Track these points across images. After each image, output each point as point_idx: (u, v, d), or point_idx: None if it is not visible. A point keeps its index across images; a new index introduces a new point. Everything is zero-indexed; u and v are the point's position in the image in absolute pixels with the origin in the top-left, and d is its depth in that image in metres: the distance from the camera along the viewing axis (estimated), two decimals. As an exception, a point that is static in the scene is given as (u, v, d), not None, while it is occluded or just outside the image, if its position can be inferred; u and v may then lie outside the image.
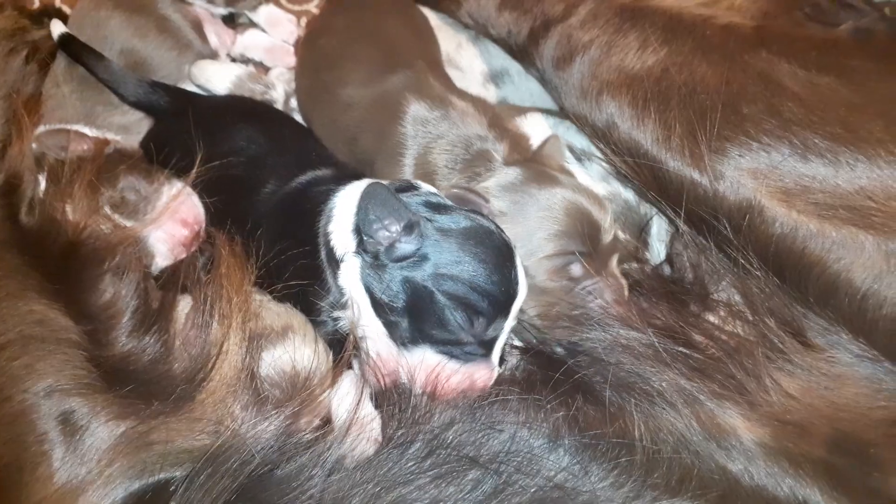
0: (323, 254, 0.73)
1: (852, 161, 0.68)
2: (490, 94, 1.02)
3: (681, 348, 0.66)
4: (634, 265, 0.82)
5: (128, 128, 0.95)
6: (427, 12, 1.05)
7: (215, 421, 0.62)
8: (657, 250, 0.87)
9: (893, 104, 0.71)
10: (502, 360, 0.70)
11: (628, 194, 0.88)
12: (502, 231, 0.70)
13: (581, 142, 0.91)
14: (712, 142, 0.72)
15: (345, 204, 0.73)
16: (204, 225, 0.84)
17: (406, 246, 0.66)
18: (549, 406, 0.63)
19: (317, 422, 0.63)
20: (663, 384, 0.64)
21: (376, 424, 0.63)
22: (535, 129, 0.92)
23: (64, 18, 1.04)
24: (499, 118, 0.88)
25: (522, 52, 0.93)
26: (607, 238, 0.76)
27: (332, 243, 0.72)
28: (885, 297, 0.64)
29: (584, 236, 0.74)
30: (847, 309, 0.66)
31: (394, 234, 0.66)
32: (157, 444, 0.61)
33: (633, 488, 0.59)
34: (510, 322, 0.67)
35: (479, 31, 1.00)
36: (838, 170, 0.68)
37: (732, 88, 0.74)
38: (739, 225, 0.71)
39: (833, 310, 0.67)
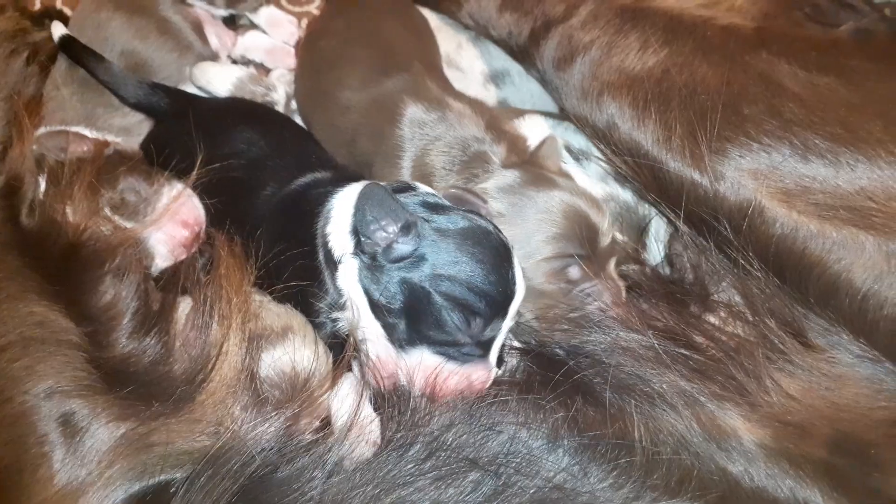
0: (321, 255, 0.73)
1: (853, 161, 0.68)
2: (490, 94, 1.02)
3: (681, 350, 0.66)
4: (634, 267, 0.82)
5: (128, 129, 0.96)
6: (427, 13, 1.05)
7: (215, 422, 0.62)
8: (656, 251, 0.87)
9: (893, 104, 0.71)
10: (501, 361, 0.70)
11: (627, 195, 0.88)
12: (500, 231, 0.70)
13: (579, 142, 0.91)
14: (713, 142, 0.72)
15: (342, 205, 0.73)
16: (204, 226, 0.84)
17: (403, 246, 0.66)
18: (548, 407, 0.63)
19: (317, 423, 0.63)
20: (664, 386, 0.64)
21: (375, 426, 0.63)
22: (534, 130, 0.92)
23: (65, 20, 1.04)
24: (496, 120, 0.88)
25: (523, 53, 0.93)
26: (605, 241, 0.76)
27: (329, 244, 0.72)
28: (886, 297, 0.64)
29: (582, 239, 0.74)
30: (848, 309, 0.66)
31: (391, 235, 0.66)
32: (158, 446, 0.61)
33: (632, 489, 0.59)
34: (508, 323, 0.67)
35: (480, 32, 1.01)
36: (839, 170, 0.68)
37: (733, 89, 0.74)
38: (740, 225, 0.71)
39: (833, 310, 0.67)
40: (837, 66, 0.75)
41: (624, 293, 0.76)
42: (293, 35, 1.13)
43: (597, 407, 0.63)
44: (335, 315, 0.72)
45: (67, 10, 1.14)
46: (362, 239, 0.67)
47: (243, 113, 0.95)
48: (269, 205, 0.80)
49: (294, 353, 0.67)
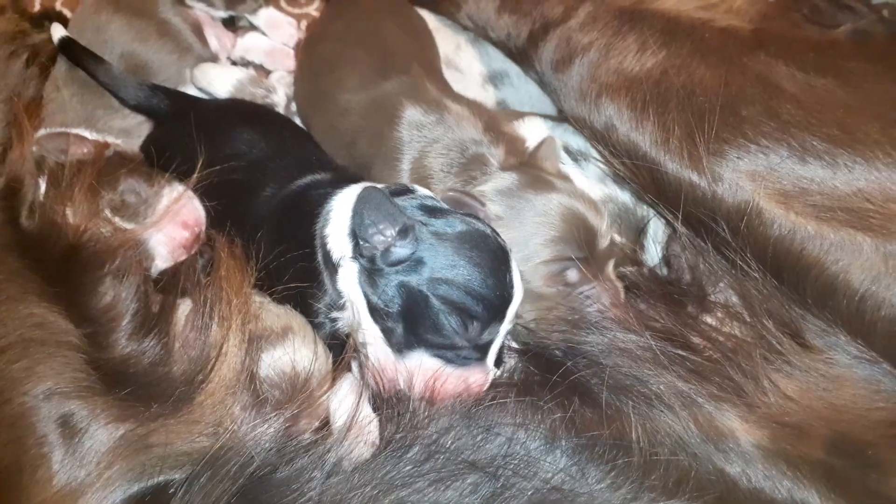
0: (319, 256, 0.73)
1: (850, 163, 0.68)
2: (489, 95, 1.02)
3: (679, 350, 0.66)
4: (631, 268, 0.82)
5: (128, 131, 0.96)
6: (426, 14, 1.06)
7: (214, 423, 0.62)
8: (654, 252, 0.87)
9: (891, 106, 0.71)
10: (500, 362, 0.70)
11: (626, 196, 0.89)
12: (498, 235, 0.70)
13: (578, 143, 0.91)
14: (711, 144, 0.72)
15: (341, 207, 0.74)
16: (204, 227, 0.84)
17: (401, 250, 0.66)
18: (546, 408, 0.63)
19: (316, 424, 0.64)
20: (661, 387, 0.64)
21: (374, 427, 0.63)
22: (533, 131, 0.93)
23: (65, 22, 1.04)
24: (495, 121, 0.88)
25: (521, 55, 0.94)
26: (604, 243, 0.76)
27: (328, 246, 0.72)
28: (884, 298, 0.64)
29: (580, 242, 0.74)
30: (845, 310, 0.66)
31: (388, 239, 0.66)
32: (157, 447, 0.61)
33: (630, 490, 0.59)
34: (506, 326, 0.67)
35: (479, 33, 1.01)
36: (836, 172, 0.68)
37: (731, 91, 0.74)
38: (737, 227, 0.71)
39: (831, 311, 0.67)
40: (835, 67, 0.75)
41: (622, 294, 0.76)
42: (292, 37, 1.14)
43: (594, 408, 0.64)
44: (334, 315, 0.72)
45: (67, 12, 1.14)
46: (360, 242, 0.68)
47: (243, 114, 0.95)
48: (269, 205, 0.80)
49: (294, 353, 0.67)
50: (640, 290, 0.77)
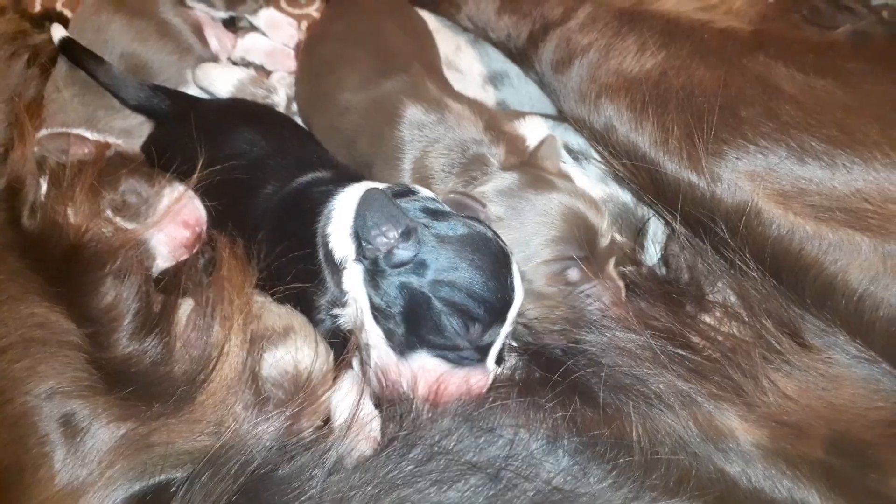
0: (321, 255, 0.73)
1: (849, 164, 0.68)
2: (489, 96, 1.03)
3: (678, 350, 0.66)
4: (631, 268, 0.82)
5: (129, 132, 0.96)
6: (426, 15, 1.06)
7: (215, 422, 0.62)
8: (653, 252, 0.87)
9: (890, 107, 0.71)
10: (501, 360, 0.71)
11: (626, 196, 0.89)
12: (499, 237, 0.70)
13: (578, 142, 0.91)
14: (710, 144, 0.72)
15: (343, 207, 0.74)
16: (205, 227, 0.84)
17: (403, 252, 0.66)
18: (547, 407, 0.63)
19: (318, 422, 0.64)
20: (661, 386, 0.64)
21: (376, 424, 0.64)
22: (534, 131, 0.93)
23: (65, 22, 1.04)
24: (495, 120, 0.88)
25: (521, 56, 0.94)
26: (604, 242, 0.76)
27: (330, 245, 0.73)
28: (882, 298, 0.65)
29: (581, 241, 0.74)
30: (844, 310, 0.66)
31: (391, 241, 0.66)
32: (158, 446, 0.61)
33: (631, 489, 0.59)
34: (507, 328, 0.68)
35: (479, 34, 1.01)
36: (835, 172, 0.68)
37: (730, 92, 0.75)
38: (736, 227, 0.71)
39: (830, 311, 0.67)
40: (834, 68, 0.75)
41: (623, 293, 0.76)
42: (293, 37, 1.14)
43: (594, 407, 0.64)
44: (335, 312, 0.73)
45: (67, 13, 1.14)
46: (363, 244, 0.68)
47: (244, 113, 0.95)
48: (270, 203, 0.81)
49: (296, 352, 0.67)
50: (640, 289, 0.77)
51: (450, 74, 1.00)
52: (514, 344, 0.75)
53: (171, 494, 0.58)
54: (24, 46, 1.00)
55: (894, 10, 0.96)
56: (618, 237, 0.85)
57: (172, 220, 0.81)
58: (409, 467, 0.59)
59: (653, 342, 0.66)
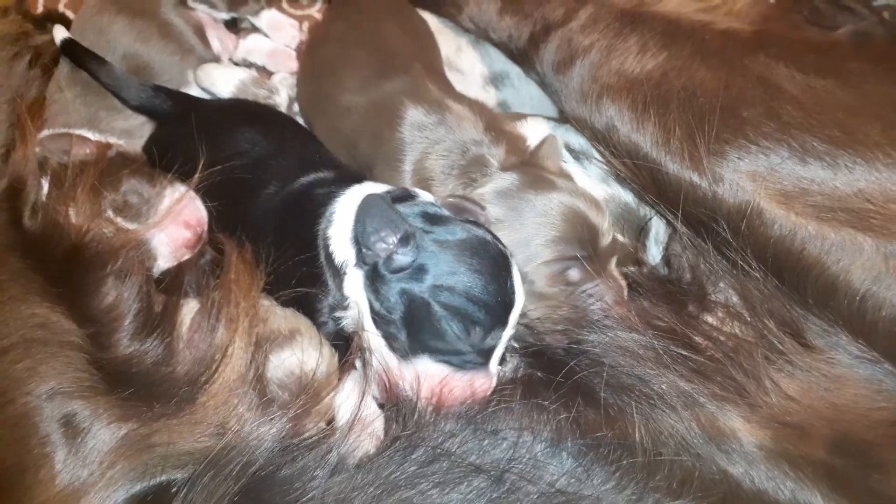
0: (322, 257, 0.73)
1: (850, 164, 0.68)
2: (490, 97, 1.03)
3: (680, 350, 0.66)
4: (632, 268, 0.82)
5: (130, 132, 0.96)
6: (427, 16, 1.06)
7: (217, 423, 0.62)
8: (656, 252, 0.87)
9: (891, 107, 0.71)
10: (503, 360, 0.70)
11: (627, 196, 0.89)
12: (498, 240, 0.70)
13: (579, 142, 0.91)
14: (711, 145, 0.72)
15: (344, 209, 0.74)
16: (206, 227, 0.84)
17: (402, 257, 0.66)
18: (551, 409, 0.63)
19: (322, 424, 0.64)
20: (663, 386, 0.64)
21: (379, 422, 0.64)
22: (535, 131, 0.93)
23: (68, 23, 1.05)
24: (496, 120, 0.88)
25: (523, 56, 0.94)
26: (605, 241, 0.76)
27: (330, 248, 0.73)
28: (884, 298, 0.65)
29: (582, 241, 0.74)
30: (846, 310, 0.66)
31: (391, 246, 0.67)
32: (159, 447, 0.61)
33: (635, 491, 0.59)
34: (509, 330, 0.68)
35: (480, 35, 1.01)
36: (837, 172, 0.68)
37: (731, 92, 0.75)
38: (738, 227, 0.71)
39: (832, 311, 0.67)
40: (836, 68, 0.75)
41: (625, 292, 0.76)
42: (294, 38, 1.14)
43: (597, 408, 0.64)
44: (338, 314, 0.73)
45: (70, 14, 1.14)
46: (363, 250, 0.68)
47: (245, 114, 0.95)
48: (272, 204, 0.81)
49: (302, 353, 0.67)
50: (642, 288, 0.77)
51: (451, 75, 1.00)
52: (516, 345, 0.75)
53: (173, 495, 0.58)
54: (27, 47, 1.01)
55: (895, 11, 0.96)
56: (620, 237, 0.85)
57: (174, 221, 0.81)
58: (411, 468, 0.58)
59: (655, 342, 0.66)
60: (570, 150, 0.91)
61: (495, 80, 1.02)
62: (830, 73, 0.75)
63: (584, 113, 0.83)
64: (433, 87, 0.88)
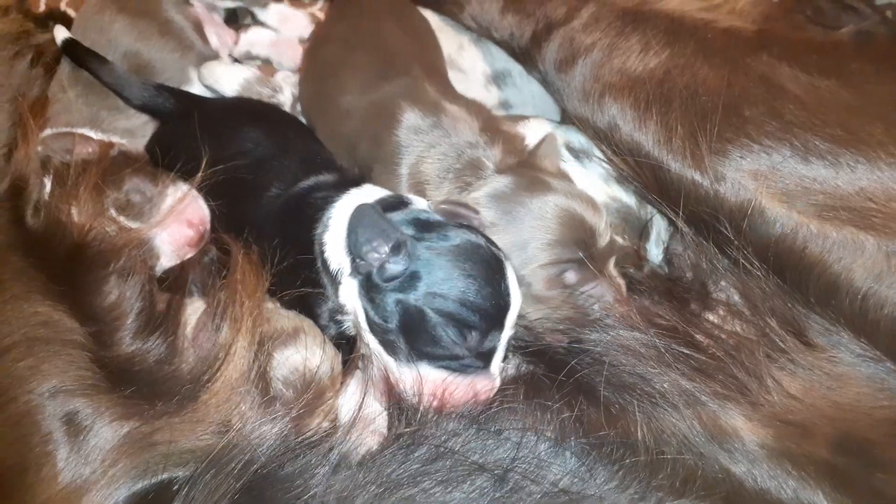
0: (318, 262, 0.73)
1: (853, 163, 0.68)
2: (492, 95, 1.02)
3: (682, 348, 0.66)
4: (633, 269, 0.82)
5: (132, 131, 0.96)
6: (429, 14, 1.06)
7: (219, 421, 0.62)
8: (657, 252, 0.87)
9: (893, 107, 0.71)
10: (504, 359, 0.70)
11: (629, 199, 0.88)
12: (492, 244, 0.70)
13: (581, 141, 0.91)
14: (713, 143, 0.72)
15: (341, 215, 0.74)
16: (209, 226, 0.84)
17: (394, 266, 0.67)
18: (554, 408, 0.63)
19: (326, 422, 0.64)
20: (665, 385, 0.64)
21: (382, 419, 0.64)
22: (536, 131, 0.92)
23: (69, 22, 1.05)
24: (493, 121, 0.88)
25: (525, 55, 0.94)
26: (603, 241, 0.75)
27: (326, 254, 0.73)
28: (886, 297, 0.65)
29: (579, 242, 0.73)
30: (848, 309, 0.66)
31: (383, 255, 0.67)
32: (161, 445, 0.61)
33: (638, 490, 0.59)
34: (507, 332, 0.68)
35: (482, 33, 1.01)
36: (839, 171, 0.68)
37: (734, 91, 0.75)
38: (740, 226, 0.71)
39: (834, 310, 0.67)
40: (838, 68, 0.75)
41: (624, 292, 0.75)
42: (306, 28, 1.14)
43: (599, 407, 0.63)
44: (339, 317, 0.73)
45: (71, 12, 1.14)
46: (356, 260, 0.68)
47: (249, 113, 0.95)
48: (274, 206, 0.81)
49: (305, 351, 0.67)
50: (643, 286, 0.77)
51: (453, 74, 1.00)
52: (519, 345, 0.75)
53: (174, 493, 0.58)
54: (28, 46, 1.01)
55: (897, 10, 0.96)
56: (619, 240, 0.84)
57: (176, 219, 0.81)
58: (414, 466, 0.58)
59: (657, 340, 0.66)
60: (571, 150, 0.91)
61: (497, 78, 1.02)
62: (833, 72, 0.75)
63: (587, 112, 0.83)
64: (431, 88, 0.87)
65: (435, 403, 0.65)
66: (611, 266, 0.77)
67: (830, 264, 0.67)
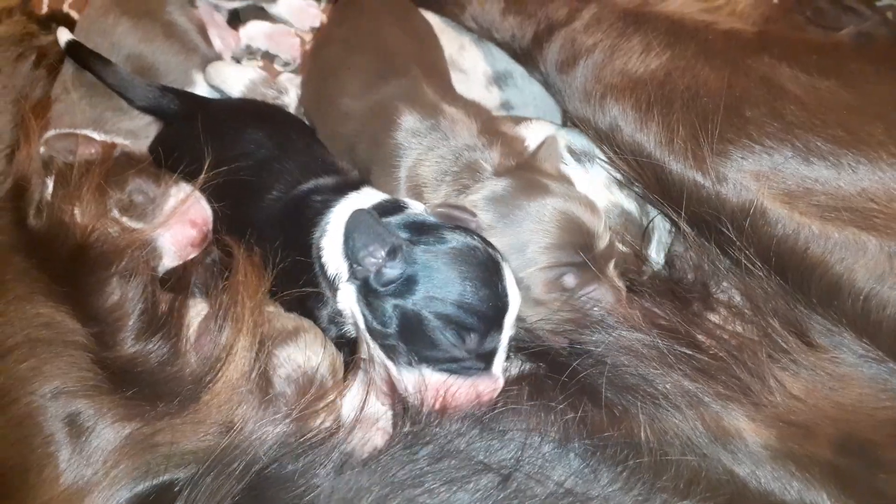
0: (316, 266, 0.74)
1: (854, 163, 0.68)
2: (493, 96, 1.02)
3: (684, 349, 0.66)
4: (633, 269, 0.82)
5: (136, 133, 0.96)
6: (430, 15, 1.06)
7: (221, 422, 0.62)
8: (658, 257, 0.86)
9: (894, 107, 0.71)
10: (507, 358, 0.70)
11: (630, 203, 0.87)
12: (489, 245, 0.70)
13: (582, 142, 0.91)
14: (715, 144, 0.73)
15: (338, 219, 0.74)
16: (211, 226, 0.84)
17: (391, 271, 0.67)
18: (558, 409, 0.63)
19: (328, 422, 0.64)
20: (667, 386, 0.64)
21: (386, 419, 0.64)
22: (536, 132, 0.92)
23: (72, 23, 1.05)
24: (493, 122, 0.87)
25: (526, 56, 0.94)
26: (602, 244, 0.74)
27: (323, 259, 0.73)
28: (888, 297, 0.65)
29: (578, 245, 0.72)
30: (850, 310, 0.66)
31: (380, 260, 0.67)
32: (163, 446, 0.61)
33: (642, 491, 0.58)
34: (507, 333, 0.68)
35: (483, 34, 1.01)
36: (840, 172, 0.68)
37: (735, 92, 0.75)
38: (741, 226, 0.71)
39: (836, 311, 0.67)
40: (839, 69, 0.75)
41: (624, 294, 0.75)
42: (316, 17, 1.15)
43: (602, 408, 0.63)
44: (339, 320, 0.73)
45: (74, 14, 1.15)
46: (353, 265, 0.68)
47: (252, 114, 0.95)
48: (275, 209, 0.81)
49: (307, 350, 0.67)
50: (645, 287, 0.76)
51: (454, 75, 1.00)
52: (521, 346, 0.75)
53: (176, 494, 0.58)
54: (31, 48, 1.01)
55: (898, 12, 0.97)
56: (619, 245, 0.84)
57: (179, 220, 0.82)
58: (419, 466, 0.58)
59: (659, 341, 0.66)
60: (573, 152, 0.91)
61: (498, 79, 1.02)
62: (833, 73, 0.75)
63: (588, 113, 0.83)
64: (430, 90, 0.86)
65: (438, 405, 0.65)
66: (611, 269, 0.76)
67: (832, 265, 0.67)
